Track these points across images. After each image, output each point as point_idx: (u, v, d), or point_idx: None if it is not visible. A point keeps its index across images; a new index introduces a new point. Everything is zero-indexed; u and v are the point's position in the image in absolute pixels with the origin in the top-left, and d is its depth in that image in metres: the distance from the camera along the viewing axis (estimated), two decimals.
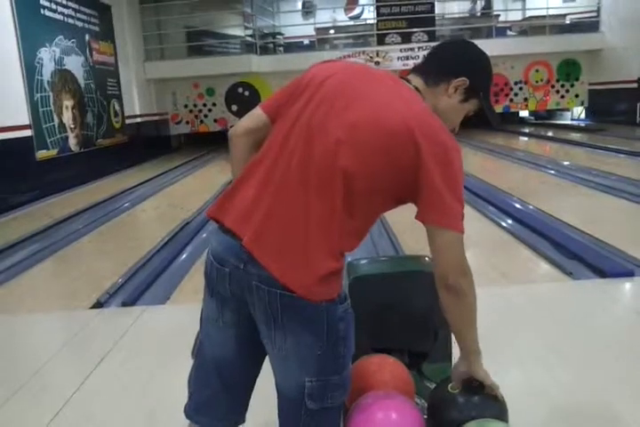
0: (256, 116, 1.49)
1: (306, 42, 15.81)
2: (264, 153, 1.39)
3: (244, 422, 1.57)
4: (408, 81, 1.45)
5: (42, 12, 8.89)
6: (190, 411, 1.53)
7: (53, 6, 9.24)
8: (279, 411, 1.44)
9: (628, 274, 3.61)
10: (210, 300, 1.46)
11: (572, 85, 14.48)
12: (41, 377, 2.76)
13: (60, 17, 9.47)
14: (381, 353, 2.00)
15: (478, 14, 15.12)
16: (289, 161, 1.33)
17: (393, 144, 1.29)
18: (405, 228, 5.09)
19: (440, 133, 1.32)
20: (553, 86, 14.47)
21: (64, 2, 9.60)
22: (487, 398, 1.56)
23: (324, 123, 1.32)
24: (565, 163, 8.40)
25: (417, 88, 1.44)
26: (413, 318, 2.15)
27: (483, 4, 15.25)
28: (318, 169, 1.30)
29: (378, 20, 13.71)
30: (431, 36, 13.55)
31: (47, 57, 8.94)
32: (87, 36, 10.50)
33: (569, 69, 14.36)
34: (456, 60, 1.50)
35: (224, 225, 1.39)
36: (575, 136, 12.38)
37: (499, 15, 14.77)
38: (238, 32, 14.38)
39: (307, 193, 1.30)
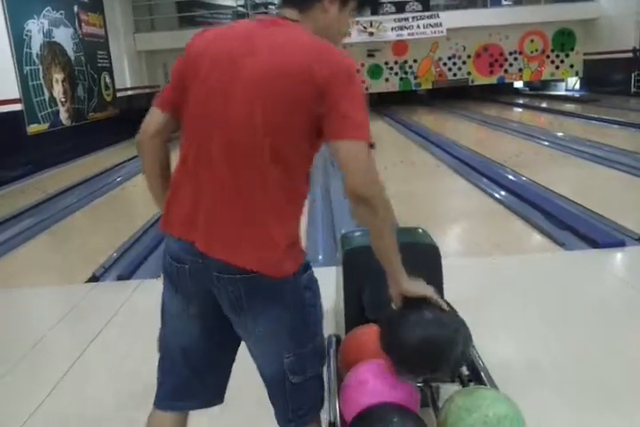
0: (156, 116, 1.44)
1: None
2: (185, 153, 1.37)
3: (221, 402, 1.57)
4: (283, 16, 1.38)
5: None
6: (162, 399, 1.51)
7: None
8: (267, 390, 1.46)
9: (620, 244, 3.64)
10: (173, 295, 1.45)
11: (567, 55, 14.36)
12: (38, 351, 2.79)
13: None
14: (375, 324, 2.03)
15: None
16: (209, 152, 1.31)
17: (296, 87, 1.26)
18: (398, 199, 5.09)
19: (333, 56, 1.30)
20: (548, 57, 14.35)
21: None
22: (433, 309, 1.51)
23: (227, 104, 1.29)
24: (559, 134, 8.39)
25: (294, 20, 1.37)
26: None
27: None
28: (240, 146, 1.28)
29: None
30: (425, 6, 13.38)
31: (35, 29, 8.79)
32: (76, 8, 10.30)
33: (564, 39, 14.22)
34: None
35: (174, 236, 1.38)
36: (569, 107, 12.34)
37: None
38: (230, 2, 14.13)
39: (237, 176, 1.29)
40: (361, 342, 1.83)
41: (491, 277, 3.32)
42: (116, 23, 12.12)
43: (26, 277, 3.97)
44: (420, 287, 1.50)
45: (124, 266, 3.89)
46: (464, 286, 3.06)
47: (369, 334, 1.87)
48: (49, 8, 9.27)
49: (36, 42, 8.80)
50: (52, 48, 9.34)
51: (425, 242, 2.22)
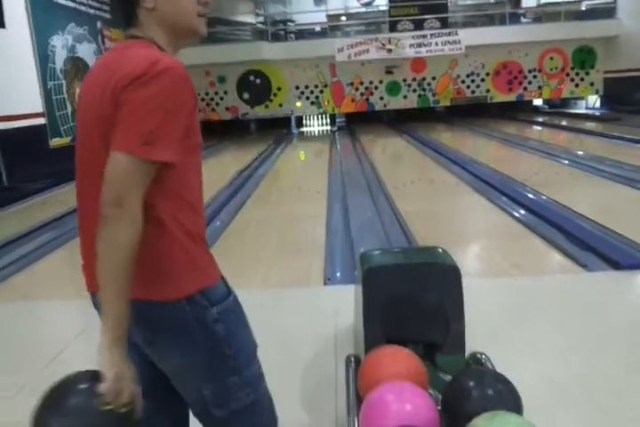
0: None
1: (317, 29, 15.70)
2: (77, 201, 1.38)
3: None
4: (131, 35, 1.30)
5: None
6: None
7: None
8: None
9: None
10: None
11: (588, 73, 14.31)
12: (58, 364, 2.79)
13: (72, 4, 9.46)
14: (396, 344, 2.01)
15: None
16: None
17: (105, 119, 1.18)
18: (417, 217, 5.09)
19: (132, 66, 1.16)
20: (568, 74, 14.30)
21: None
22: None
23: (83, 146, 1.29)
24: (579, 152, 8.32)
25: (133, 36, 1.29)
26: (426, 309, 2.15)
27: None
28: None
29: (390, 7, 13.60)
30: (444, 23, 13.42)
31: (60, 45, 8.95)
32: (99, 24, 10.49)
33: (584, 57, 14.18)
34: None
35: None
36: (590, 125, 12.24)
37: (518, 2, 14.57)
38: (249, 19, 14.30)
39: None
40: (381, 364, 1.81)
41: (512, 297, 3.28)
42: None
43: (45, 289, 4.00)
44: (113, 362, 1.17)
45: None
46: (485, 306, 3.03)
47: (389, 355, 1.86)
48: (73, 24, 9.45)
49: (60, 57, 8.96)
50: (76, 63, 9.51)
51: (445, 262, 2.20)
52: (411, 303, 2.13)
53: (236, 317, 1.36)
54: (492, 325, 2.87)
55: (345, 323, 2.90)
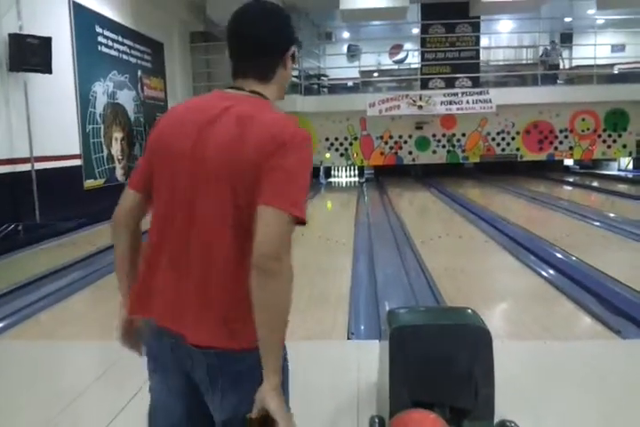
0: (128, 195, 1.43)
1: (350, 84, 16.07)
2: (159, 236, 1.35)
3: None
4: (242, 88, 1.37)
5: (99, 48, 9.28)
6: None
7: (110, 43, 9.64)
8: None
9: None
10: (155, 373, 1.44)
11: (620, 135, 14.29)
12: (78, 405, 2.76)
13: (115, 53, 9.86)
14: (422, 407, 1.94)
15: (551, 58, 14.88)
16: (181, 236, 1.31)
17: (242, 173, 1.24)
18: (444, 274, 5.02)
19: (276, 131, 1.27)
20: (599, 136, 14.30)
21: (120, 39, 10.01)
22: None
23: (193, 190, 1.29)
24: (611, 215, 8.21)
25: (254, 92, 1.36)
26: (455, 372, 2.09)
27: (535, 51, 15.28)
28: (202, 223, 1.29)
29: (422, 65, 13.90)
30: (475, 82, 13.64)
31: (101, 91, 9.28)
32: (139, 72, 10.89)
33: (616, 119, 14.20)
34: (272, 39, 1.37)
35: (154, 322, 1.37)
36: (622, 187, 12.13)
37: (546, 61, 14.78)
38: None
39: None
40: None
41: (542, 362, 3.17)
42: (176, 87, 12.72)
43: (70, 329, 3.99)
44: (281, 407, 1.23)
45: None
46: (515, 370, 2.93)
47: (416, 420, 1.79)
48: (115, 72, 9.82)
49: (101, 102, 9.28)
50: (115, 109, 9.82)
51: (476, 324, 2.15)
52: (439, 365, 2.07)
53: (287, 366, 1.37)
54: (521, 390, 2.76)
55: (368, 380, 2.82)
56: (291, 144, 1.25)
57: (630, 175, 14.42)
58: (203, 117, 1.32)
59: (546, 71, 14.45)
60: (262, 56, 1.37)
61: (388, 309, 3.08)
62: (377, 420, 2.07)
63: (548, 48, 14.71)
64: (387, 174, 15.17)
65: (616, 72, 14.72)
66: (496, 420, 2.05)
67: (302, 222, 1.24)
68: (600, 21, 14.98)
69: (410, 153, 14.61)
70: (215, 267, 1.27)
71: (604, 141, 14.38)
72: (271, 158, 1.22)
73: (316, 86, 15.25)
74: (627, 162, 15.42)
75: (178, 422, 1.40)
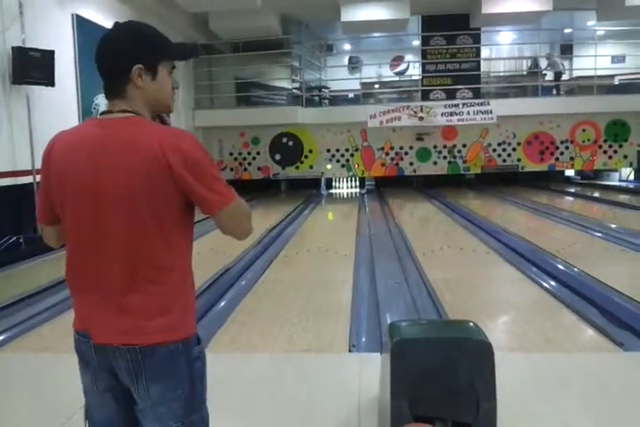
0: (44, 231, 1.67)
1: (351, 95, 16.14)
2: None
3: None
4: (116, 110, 1.50)
5: None
6: None
7: None
8: None
9: None
10: (84, 371, 1.58)
11: (621, 146, 14.32)
12: (78, 420, 2.73)
13: None
14: (423, 422, 1.93)
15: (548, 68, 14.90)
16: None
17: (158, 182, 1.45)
18: (445, 286, 5.01)
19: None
20: (600, 146, 14.32)
21: None
22: None
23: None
24: (613, 225, 8.19)
25: (126, 111, 1.49)
26: (457, 386, 2.08)
27: (530, 62, 15.35)
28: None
29: (423, 77, 13.96)
30: (476, 93, 13.69)
31: (103, 103, 9.28)
32: None
33: (617, 130, 14.23)
34: (115, 61, 1.52)
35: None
36: (623, 198, 12.13)
37: (545, 74, 14.84)
38: (286, 84, 14.79)
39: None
40: None
41: (545, 375, 3.15)
42: (178, 99, 12.76)
43: (71, 342, 3.94)
44: None
45: None
46: (516, 383, 2.92)
47: None
48: None
49: None
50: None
51: (477, 338, 2.14)
52: (440, 379, 2.06)
53: (205, 358, 1.57)
54: (523, 404, 2.75)
55: (369, 393, 2.81)
56: (195, 156, 1.52)
57: (631, 186, 14.42)
58: (84, 157, 1.49)
59: (546, 82, 14.50)
60: (111, 79, 1.55)
61: (389, 321, 3.07)
62: None
63: (546, 60, 14.76)
64: (388, 185, 15.19)
65: (616, 83, 14.76)
66: None
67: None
68: (600, 32, 15.05)
69: (411, 164, 14.63)
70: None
71: (605, 152, 14.39)
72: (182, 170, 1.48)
73: (317, 98, 15.32)
74: (628, 172, 15.42)
75: (112, 416, 1.57)
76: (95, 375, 1.54)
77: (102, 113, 1.53)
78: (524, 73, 15.34)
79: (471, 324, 2.28)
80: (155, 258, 1.46)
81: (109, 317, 1.48)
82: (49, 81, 7.32)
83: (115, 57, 1.51)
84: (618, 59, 15.90)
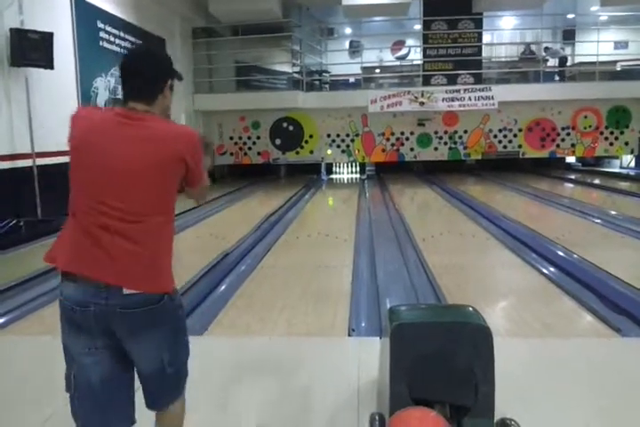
0: None
1: (352, 80, 16.05)
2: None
3: (135, 422, 1.92)
4: (134, 108, 1.83)
5: (100, 43, 9.26)
6: None
7: (111, 39, 9.62)
8: (145, 382, 1.90)
9: None
10: (76, 336, 1.88)
11: (622, 133, 14.27)
12: None
13: (116, 49, 9.84)
14: (422, 404, 1.95)
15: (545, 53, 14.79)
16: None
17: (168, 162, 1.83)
18: (445, 271, 5.02)
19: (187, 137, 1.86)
20: (602, 133, 14.28)
21: (121, 35, 9.99)
22: None
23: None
24: (613, 212, 8.20)
25: (146, 111, 1.84)
26: (456, 369, 2.09)
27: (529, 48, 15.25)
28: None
29: (424, 62, 13.86)
30: (477, 79, 13.60)
31: (102, 86, 9.27)
32: None
33: (619, 116, 14.18)
34: (154, 74, 1.89)
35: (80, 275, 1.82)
36: (624, 185, 12.11)
37: (547, 60, 14.74)
38: (286, 68, 14.70)
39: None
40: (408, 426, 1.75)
41: (543, 360, 3.17)
42: (177, 83, 12.64)
43: None
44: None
45: None
46: (515, 368, 2.94)
47: (417, 418, 1.79)
48: (116, 67, 9.79)
49: (102, 98, 9.26)
50: (116, 104, 9.79)
51: (476, 322, 2.15)
52: (439, 363, 2.07)
53: (183, 305, 1.95)
54: (521, 388, 2.77)
55: (368, 377, 2.83)
56: (197, 146, 1.93)
57: (632, 173, 14.40)
58: (104, 138, 1.81)
59: (549, 68, 14.41)
60: (146, 88, 1.87)
61: (388, 306, 3.08)
62: (377, 417, 2.07)
63: (544, 52, 14.64)
64: (388, 171, 15.17)
65: (619, 69, 14.66)
66: (496, 418, 2.05)
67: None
68: (603, 18, 14.93)
69: (411, 150, 14.60)
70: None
71: (607, 139, 14.35)
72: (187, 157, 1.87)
73: (317, 82, 15.23)
74: (629, 159, 15.39)
75: (106, 373, 1.85)
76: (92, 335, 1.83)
77: (128, 108, 1.84)
78: (517, 59, 15.23)
79: (470, 308, 2.29)
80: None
81: None
82: (48, 63, 7.26)
83: (155, 72, 1.89)
84: (620, 45, 15.78)
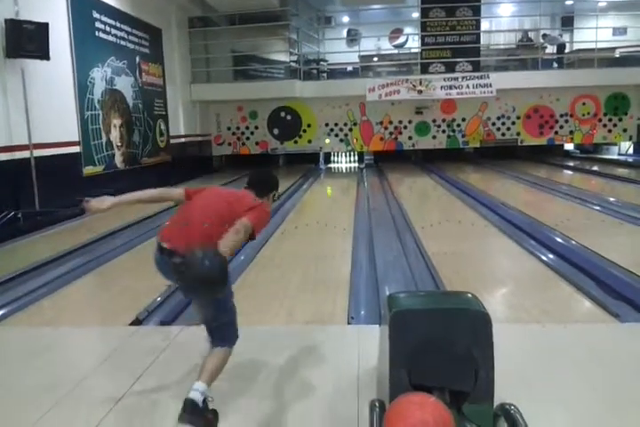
0: (180, 191, 2.84)
1: (349, 69, 15.97)
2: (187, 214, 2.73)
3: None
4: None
5: (96, 34, 9.20)
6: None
7: (107, 29, 9.56)
8: (208, 331, 2.60)
9: None
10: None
11: (621, 120, 14.25)
12: (79, 392, 2.78)
13: (113, 39, 9.78)
14: (421, 390, 1.96)
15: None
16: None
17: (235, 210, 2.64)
18: (443, 259, 5.03)
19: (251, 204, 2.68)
20: (600, 120, 14.26)
21: (118, 25, 9.92)
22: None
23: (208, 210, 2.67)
24: (611, 199, 8.20)
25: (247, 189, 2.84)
26: (455, 355, 2.10)
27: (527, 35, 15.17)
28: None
29: (422, 49, 13.79)
30: (475, 66, 13.54)
31: (99, 77, 9.23)
32: (138, 58, 10.81)
33: (617, 103, 14.15)
34: (268, 185, 2.87)
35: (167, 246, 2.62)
36: (622, 172, 12.12)
37: (545, 47, 14.67)
38: (283, 58, 14.63)
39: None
40: (407, 411, 1.75)
41: (541, 345, 3.18)
42: (175, 74, 12.63)
43: (71, 316, 4.01)
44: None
45: (167, 311, 3.90)
46: (513, 354, 2.95)
47: (416, 403, 1.80)
48: (113, 58, 9.75)
49: (99, 89, 9.22)
50: (113, 95, 9.76)
51: (475, 309, 2.16)
52: (439, 349, 2.09)
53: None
54: (521, 374, 2.79)
55: (368, 364, 2.84)
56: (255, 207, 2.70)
57: (630, 159, 14.41)
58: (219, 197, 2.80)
59: (547, 55, 14.35)
60: (261, 187, 2.84)
61: (387, 293, 3.09)
62: (377, 404, 2.08)
63: (543, 39, 14.54)
64: (386, 160, 15.14)
65: (617, 56, 14.60)
66: (496, 403, 2.06)
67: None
68: (602, 4, 14.84)
69: (410, 138, 14.57)
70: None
71: (605, 126, 14.33)
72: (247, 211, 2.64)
73: (315, 71, 15.16)
74: (627, 146, 15.38)
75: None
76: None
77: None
78: (515, 46, 15.15)
79: (469, 295, 2.30)
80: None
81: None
82: (44, 54, 7.22)
83: (267, 186, 2.89)
84: (619, 31, 15.70)
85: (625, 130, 14.33)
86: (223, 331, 2.56)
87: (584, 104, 14.17)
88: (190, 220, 2.63)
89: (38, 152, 7.39)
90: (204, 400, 2.30)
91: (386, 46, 16.80)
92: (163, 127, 11.97)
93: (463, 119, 14.41)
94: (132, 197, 2.80)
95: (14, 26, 6.84)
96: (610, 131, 14.39)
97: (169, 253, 2.53)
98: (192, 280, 2.27)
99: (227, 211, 2.60)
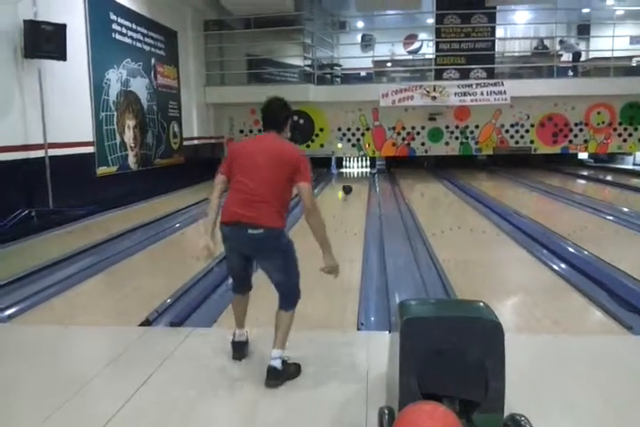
0: (221, 177, 3.05)
1: (363, 74, 15.97)
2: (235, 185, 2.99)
3: (251, 287, 3.24)
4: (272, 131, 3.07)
5: (113, 35, 9.28)
6: (233, 288, 3.26)
7: (124, 31, 9.63)
8: (278, 288, 3.07)
9: None
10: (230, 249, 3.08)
11: (636, 129, 14.14)
12: (87, 391, 2.79)
13: (129, 41, 9.85)
14: (431, 399, 1.94)
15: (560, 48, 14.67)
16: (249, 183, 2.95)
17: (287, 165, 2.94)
18: (455, 266, 5.01)
19: (294, 152, 3.01)
20: (615, 129, 14.15)
21: (134, 27, 10.00)
22: None
23: (256, 165, 2.94)
24: (625, 209, 8.13)
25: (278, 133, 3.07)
26: (466, 364, 2.08)
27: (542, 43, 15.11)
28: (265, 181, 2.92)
29: (436, 56, 13.78)
30: (490, 74, 13.51)
31: (114, 78, 9.29)
32: (153, 60, 10.88)
33: (633, 113, 14.04)
34: (282, 118, 3.08)
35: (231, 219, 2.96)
36: (636, 182, 12.00)
37: (560, 55, 14.60)
38: (297, 62, 14.65)
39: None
40: (417, 420, 1.74)
41: (553, 356, 3.15)
42: (189, 76, 12.69)
43: (81, 315, 4.02)
44: (335, 261, 3.10)
45: (177, 312, 3.91)
46: (524, 364, 2.93)
47: (426, 412, 1.78)
48: (129, 59, 9.82)
49: (114, 90, 9.29)
50: (128, 96, 9.83)
51: (488, 318, 2.14)
52: (450, 358, 2.07)
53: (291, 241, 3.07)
54: (531, 384, 2.76)
55: (378, 371, 2.83)
56: (301, 157, 3.02)
57: None
58: (254, 145, 3.09)
59: (562, 63, 14.28)
60: (277, 123, 3.07)
61: (398, 300, 3.07)
62: (386, 411, 2.07)
63: (559, 45, 14.48)
64: (398, 166, 15.11)
65: (634, 64, 14.51)
66: (506, 413, 2.04)
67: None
68: (619, 12, 14.75)
69: (422, 144, 14.54)
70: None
71: (620, 135, 14.22)
72: (296, 163, 2.95)
73: (328, 76, 15.18)
74: None
75: (242, 267, 3.12)
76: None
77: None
78: (530, 54, 15.09)
79: (481, 304, 2.28)
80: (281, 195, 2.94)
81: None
82: (61, 55, 7.28)
83: (282, 114, 3.07)
84: (636, 40, 15.60)
85: None
86: (292, 293, 3.01)
87: (599, 113, 14.07)
88: (249, 193, 2.89)
89: (53, 152, 7.45)
90: (283, 362, 2.85)
91: (400, 52, 16.79)
92: (176, 129, 12.02)
93: (476, 126, 14.36)
94: (214, 214, 3.04)
95: (32, 27, 6.91)
96: (625, 140, 14.28)
97: (244, 227, 2.85)
98: (268, 250, 2.91)
99: (275, 173, 2.89)
